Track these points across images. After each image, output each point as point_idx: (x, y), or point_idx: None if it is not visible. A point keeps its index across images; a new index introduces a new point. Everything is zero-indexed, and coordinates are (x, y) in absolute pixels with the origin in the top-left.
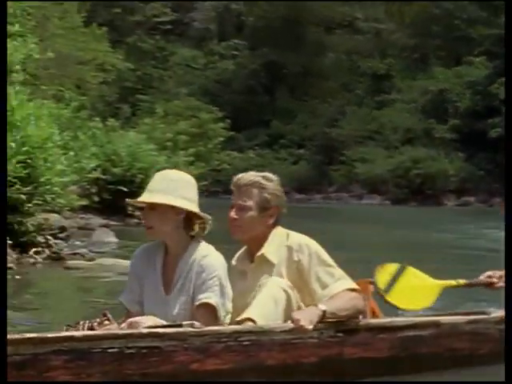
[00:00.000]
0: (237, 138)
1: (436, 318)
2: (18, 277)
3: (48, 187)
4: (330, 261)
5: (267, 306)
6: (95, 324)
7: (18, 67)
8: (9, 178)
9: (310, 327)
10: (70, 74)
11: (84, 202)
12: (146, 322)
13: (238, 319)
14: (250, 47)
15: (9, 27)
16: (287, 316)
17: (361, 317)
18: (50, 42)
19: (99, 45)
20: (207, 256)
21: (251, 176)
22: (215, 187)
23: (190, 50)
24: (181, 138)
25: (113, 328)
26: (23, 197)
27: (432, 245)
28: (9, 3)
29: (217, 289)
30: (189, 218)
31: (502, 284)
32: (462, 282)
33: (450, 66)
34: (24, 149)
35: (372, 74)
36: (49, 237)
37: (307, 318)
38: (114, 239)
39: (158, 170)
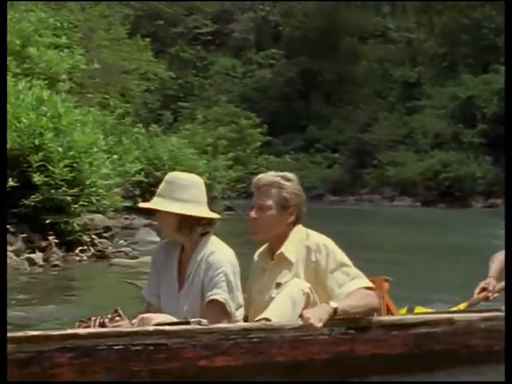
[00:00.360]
0: (274, 142)
1: (450, 315)
2: (60, 274)
3: (93, 189)
4: (347, 260)
5: (285, 308)
6: (106, 320)
7: (64, 77)
8: (55, 181)
9: (319, 325)
10: (114, 82)
11: (127, 204)
12: (156, 319)
13: (256, 319)
14: (287, 56)
15: (56, 39)
16: None
17: (375, 314)
18: (96, 53)
19: (143, 55)
20: (214, 253)
21: (270, 176)
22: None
23: (229, 60)
24: (220, 143)
25: (123, 324)
26: (69, 198)
27: (458, 246)
28: (56, 17)
29: (224, 284)
30: (185, 220)
31: (496, 294)
32: (462, 306)
33: (478, 73)
34: (70, 153)
35: (403, 81)
36: (94, 236)
37: (317, 315)
38: (156, 238)
39: (200, 174)
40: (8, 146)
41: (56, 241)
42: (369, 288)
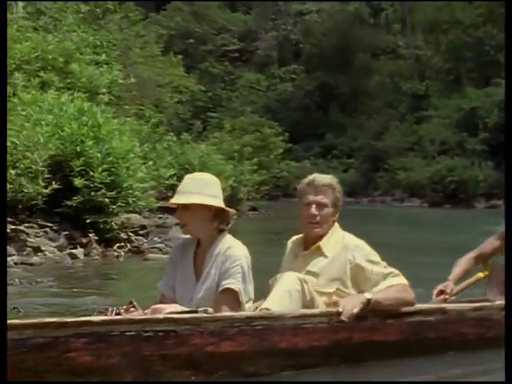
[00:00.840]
0: (294, 149)
1: (442, 305)
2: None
3: (130, 192)
4: (381, 260)
5: (283, 297)
6: (122, 311)
7: (103, 90)
8: (95, 184)
9: (354, 312)
10: (149, 95)
11: (161, 204)
12: (167, 309)
13: (258, 309)
14: (306, 71)
15: (96, 56)
16: (303, 305)
17: None
18: (132, 69)
19: (175, 70)
20: (231, 247)
21: (326, 178)
22: (275, 192)
23: (254, 74)
24: (246, 150)
25: (137, 315)
26: (108, 200)
27: (460, 244)
28: (96, 36)
29: (239, 276)
30: (216, 213)
31: (453, 297)
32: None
33: (481, 86)
34: (109, 159)
35: (412, 93)
36: (130, 234)
37: (351, 304)
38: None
39: (227, 178)
40: (52, 152)
41: (96, 238)
42: (405, 285)
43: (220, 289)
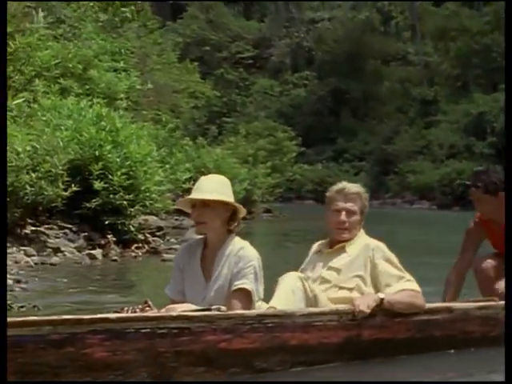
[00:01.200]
0: (307, 153)
1: (448, 304)
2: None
3: (147, 194)
4: (399, 264)
5: (286, 296)
6: (137, 310)
7: (121, 96)
8: (114, 187)
9: (367, 311)
10: (166, 101)
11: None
12: (180, 308)
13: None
14: (319, 77)
15: (114, 63)
16: (306, 302)
17: None
18: (150, 75)
19: (191, 76)
20: (243, 248)
21: (355, 186)
22: (288, 194)
23: (267, 80)
24: (260, 154)
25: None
26: (126, 202)
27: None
28: (114, 44)
29: (252, 276)
30: (233, 213)
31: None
32: None
33: (488, 92)
34: (127, 163)
35: (421, 99)
36: (148, 235)
37: (365, 302)
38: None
39: (241, 181)
40: (71, 156)
41: (114, 239)
42: (417, 291)
43: (233, 288)
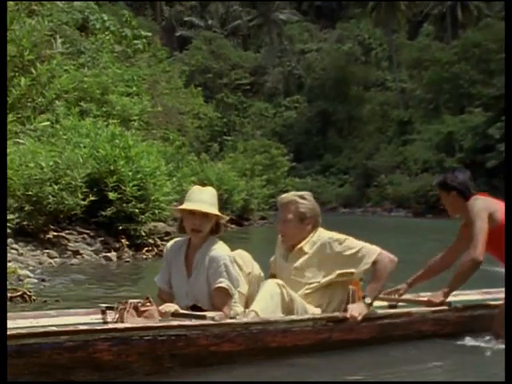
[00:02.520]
0: (297, 167)
1: (408, 310)
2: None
3: (156, 203)
4: (351, 239)
5: (266, 301)
6: (139, 304)
7: (134, 117)
8: (126, 197)
9: (360, 318)
10: (173, 121)
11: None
12: (169, 308)
13: (247, 311)
14: (308, 101)
15: (128, 89)
16: (282, 305)
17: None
18: (159, 99)
19: (196, 100)
20: (215, 249)
21: (290, 196)
22: None
23: (263, 103)
24: (256, 168)
25: (152, 309)
26: (137, 210)
27: (435, 247)
28: (128, 72)
29: (225, 274)
30: (220, 221)
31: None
32: None
33: (456, 114)
34: (138, 176)
35: (398, 120)
36: (157, 239)
37: (357, 311)
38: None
39: (240, 191)
40: (89, 170)
41: (127, 243)
42: (379, 253)
43: (213, 287)
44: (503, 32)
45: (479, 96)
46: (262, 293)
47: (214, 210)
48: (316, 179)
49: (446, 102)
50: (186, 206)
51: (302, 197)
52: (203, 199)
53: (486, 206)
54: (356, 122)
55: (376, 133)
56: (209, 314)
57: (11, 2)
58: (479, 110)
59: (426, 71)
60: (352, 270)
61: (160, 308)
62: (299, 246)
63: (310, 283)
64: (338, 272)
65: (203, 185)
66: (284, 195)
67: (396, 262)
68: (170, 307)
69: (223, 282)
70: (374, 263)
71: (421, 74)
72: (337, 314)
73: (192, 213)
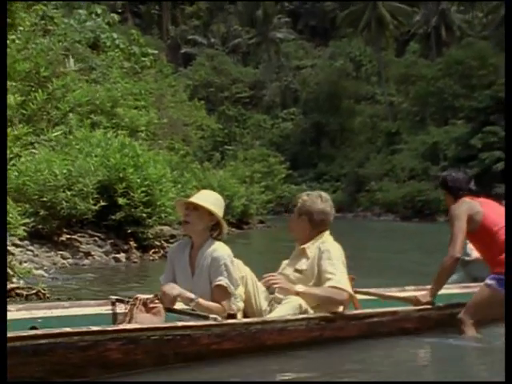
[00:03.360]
0: (293, 175)
1: (394, 309)
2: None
3: (162, 208)
4: (339, 265)
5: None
6: (148, 301)
7: (142, 128)
8: (135, 202)
9: (278, 285)
10: (178, 132)
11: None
12: (172, 290)
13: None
14: (303, 113)
15: (136, 102)
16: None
17: (342, 308)
18: (165, 112)
19: (199, 112)
20: (216, 250)
21: (297, 199)
22: (279, 208)
23: (261, 115)
24: (255, 175)
25: (159, 307)
26: (145, 215)
27: (421, 248)
28: (136, 86)
29: (225, 273)
30: (216, 224)
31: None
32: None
33: (441, 126)
34: (146, 183)
35: (387, 131)
36: (163, 242)
37: (285, 284)
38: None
39: (240, 197)
40: (100, 178)
41: (135, 245)
42: (340, 289)
43: (213, 285)
44: (483, 50)
45: (462, 109)
46: (283, 309)
47: (207, 204)
48: (311, 186)
49: (431, 115)
50: (180, 199)
51: (308, 194)
52: (200, 197)
53: (467, 209)
54: (347, 133)
55: (366, 143)
56: (212, 316)
57: (27, 23)
58: (462, 121)
59: (412, 86)
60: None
61: (164, 289)
62: (303, 247)
63: (306, 285)
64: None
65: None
66: (299, 195)
67: (340, 303)
68: (173, 290)
69: (222, 280)
70: (326, 299)
71: (408, 89)
72: (328, 314)
73: (187, 207)
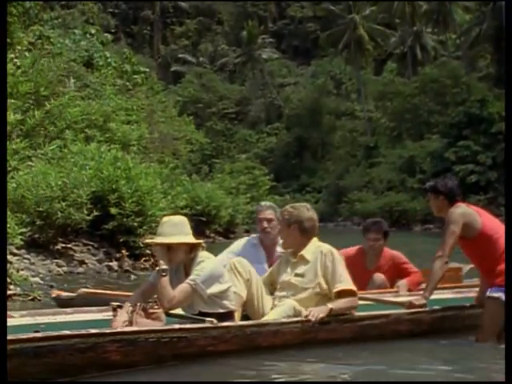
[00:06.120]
0: (277, 186)
1: (386, 312)
2: (133, 277)
3: (153, 218)
4: (343, 267)
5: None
6: (148, 307)
7: (134, 142)
8: (126, 212)
9: (313, 319)
10: (168, 146)
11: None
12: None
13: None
14: (287, 128)
15: (128, 117)
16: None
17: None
18: (156, 127)
19: (188, 127)
20: (201, 262)
21: (286, 207)
22: None
23: (247, 130)
24: (241, 187)
25: (159, 312)
26: (136, 224)
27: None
28: (128, 102)
29: (201, 274)
30: (192, 246)
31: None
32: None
33: (417, 140)
34: (137, 194)
35: (366, 145)
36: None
37: (315, 313)
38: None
39: (227, 207)
40: (93, 189)
41: (127, 253)
42: (353, 291)
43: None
44: (456, 69)
45: (436, 124)
46: (277, 312)
47: (175, 239)
48: (294, 197)
49: (407, 130)
50: (150, 241)
51: (293, 207)
52: (165, 232)
53: (463, 214)
54: (328, 147)
55: (346, 156)
56: (208, 319)
57: (25, 42)
58: (436, 136)
59: (390, 103)
60: (329, 286)
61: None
62: (300, 254)
63: (306, 288)
64: (324, 285)
65: (197, 202)
66: (286, 207)
67: (356, 307)
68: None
69: (190, 280)
70: (342, 293)
71: (385, 105)
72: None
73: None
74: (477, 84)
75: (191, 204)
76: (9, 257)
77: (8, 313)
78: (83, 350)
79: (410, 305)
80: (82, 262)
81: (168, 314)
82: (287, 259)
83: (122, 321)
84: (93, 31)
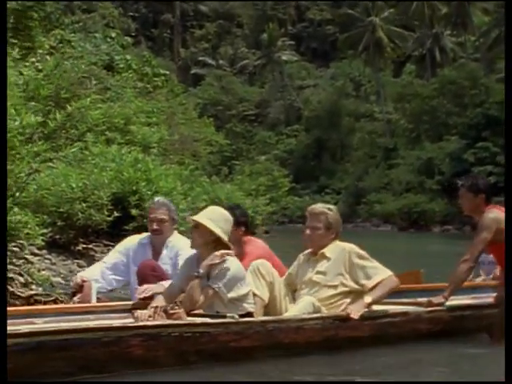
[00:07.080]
0: (296, 188)
1: (405, 309)
2: None
3: None
4: (370, 258)
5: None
6: (168, 308)
7: (154, 144)
8: (146, 213)
9: (356, 316)
10: (188, 148)
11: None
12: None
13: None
14: (306, 130)
15: (149, 120)
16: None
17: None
18: (176, 128)
19: (208, 129)
20: (224, 263)
21: (320, 207)
22: (283, 219)
23: (266, 132)
24: (261, 188)
25: (180, 312)
26: None
27: (417, 254)
28: (149, 105)
29: (224, 278)
30: (217, 241)
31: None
32: None
33: (435, 142)
34: (157, 195)
35: (385, 147)
36: None
37: (356, 309)
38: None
39: (246, 209)
40: (114, 190)
41: None
42: (388, 276)
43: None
44: (475, 71)
45: (455, 126)
46: (298, 308)
47: (205, 221)
48: (313, 198)
49: (426, 131)
50: (187, 217)
51: (329, 209)
52: (202, 214)
53: (497, 220)
54: (347, 149)
55: (365, 158)
56: (229, 314)
57: (46, 46)
58: (455, 138)
59: (408, 104)
60: (363, 282)
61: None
62: (322, 251)
63: (329, 286)
64: (352, 282)
65: (217, 204)
66: (314, 206)
67: (398, 286)
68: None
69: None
70: (381, 280)
71: (404, 107)
72: (342, 313)
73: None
74: (495, 86)
75: (211, 205)
76: (30, 257)
77: (30, 319)
78: (106, 343)
79: (429, 303)
80: None
81: (189, 315)
82: (308, 258)
83: (146, 315)
84: (113, 35)
